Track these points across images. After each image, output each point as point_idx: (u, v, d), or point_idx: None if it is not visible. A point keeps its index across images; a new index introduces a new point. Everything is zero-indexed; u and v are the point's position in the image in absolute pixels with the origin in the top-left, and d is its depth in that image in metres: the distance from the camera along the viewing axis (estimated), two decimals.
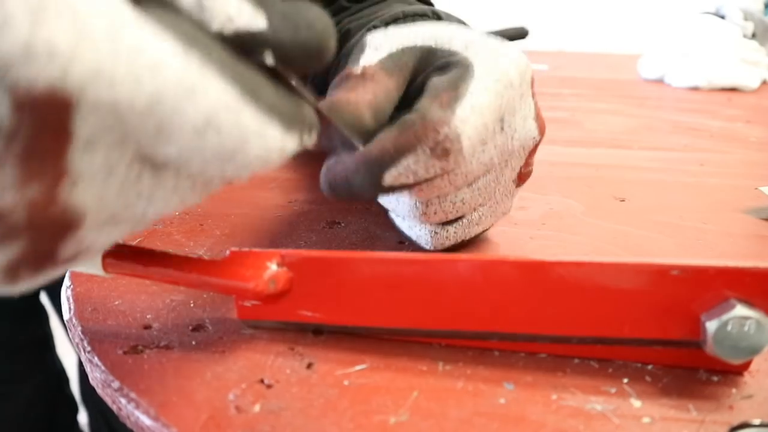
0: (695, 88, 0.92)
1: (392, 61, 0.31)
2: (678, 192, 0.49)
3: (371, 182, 0.26)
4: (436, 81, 0.29)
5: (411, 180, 0.27)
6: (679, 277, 0.23)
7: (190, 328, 0.28)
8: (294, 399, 0.23)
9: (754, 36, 0.97)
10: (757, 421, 0.23)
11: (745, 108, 0.81)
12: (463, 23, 0.39)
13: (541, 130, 0.32)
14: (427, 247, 0.34)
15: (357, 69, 0.30)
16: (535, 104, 0.32)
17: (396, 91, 0.30)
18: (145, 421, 0.22)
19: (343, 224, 0.40)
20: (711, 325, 0.23)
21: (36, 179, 0.14)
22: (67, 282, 0.32)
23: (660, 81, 0.98)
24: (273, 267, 0.26)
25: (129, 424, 0.23)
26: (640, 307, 0.24)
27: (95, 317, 0.28)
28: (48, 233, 0.15)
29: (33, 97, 0.13)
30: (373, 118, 0.27)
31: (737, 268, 0.23)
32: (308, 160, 0.55)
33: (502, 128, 0.30)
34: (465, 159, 0.28)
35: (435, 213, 0.31)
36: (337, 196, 0.27)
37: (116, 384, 0.24)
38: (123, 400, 0.23)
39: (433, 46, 0.31)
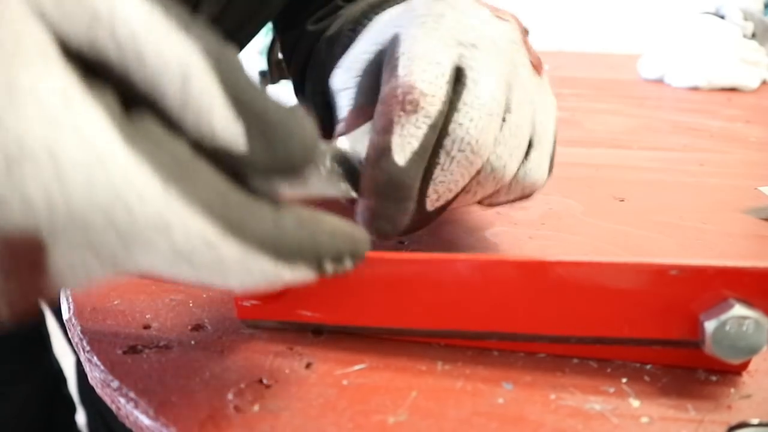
0: (695, 88, 0.92)
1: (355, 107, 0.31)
2: (678, 192, 0.49)
3: (390, 169, 0.26)
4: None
5: (416, 145, 0.27)
6: (678, 276, 0.23)
7: (190, 327, 0.28)
8: (293, 399, 0.23)
9: (754, 36, 0.97)
10: (755, 421, 0.23)
11: (745, 108, 0.81)
12: None
13: (513, 18, 0.33)
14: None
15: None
16: (485, 7, 0.32)
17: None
18: (144, 420, 0.22)
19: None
20: (710, 325, 0.23)
21: (14, 286, 0.15)
22: None
23: (660, 81, 0.98)
24: None
25: (128, 424, 0.23)
26: (639, 306, 0.24)
27: (94, 317, 0.28)
28: (29, 310, 0.16)
29: (5, 236, 0.14)
30: None
31: (736, 267, 0.23)
32: None
33: (461, 43, 0.29)
34: (431, 97, 0.27)
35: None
36: (383, 221, 0.26)
37: (115, 383, 0.24)
38: (122, 400, 0.23)
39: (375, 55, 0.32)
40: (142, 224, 0.15)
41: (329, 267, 0.19)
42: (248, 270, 0.17)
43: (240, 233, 0.17)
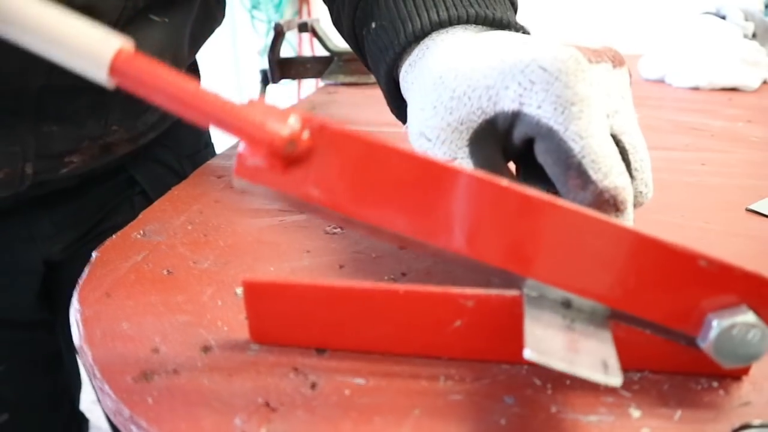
0: (696, 88, 0.91)
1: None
2: (680, 192, 0.49)
3: None
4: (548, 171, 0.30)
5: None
6: (704, 269, 0.23)
7: (197, 349, 0.28)
8: (299, 422, 0.23)
9: (754, 36, 0.96)
10: (757, 422, 0.23)
11: (746, 108, 0.81)
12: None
13: (613, 53, 0.34)
14: None
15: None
16: (600, 61, 0.32)
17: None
18: None
19: (344, 231, 0.40)
20: (717, 325, 0.23)
21: None
22: (75, 305, 0.32)
23: (661, 81, 0.97)
24: (296, 125, 0.24)
25: None
26: (653, 284, 0.24)
27: (104, 343, 0.29)
28: None
29: None
30: None
31: (763, 277, 0.23)
32: None
33: (608, 116, 0.31)
34: (629, 186, 0.30)
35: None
36: None
37: (127, 413, 0.24)
38: (134, 428, 0.24)
39: (487, 117, 0.31)
40: None
41: None
42: None
43: None
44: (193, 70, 0.67)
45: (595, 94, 0.30)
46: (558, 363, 0.21)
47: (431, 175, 0.24)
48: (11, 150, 0.47)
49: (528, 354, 0.21)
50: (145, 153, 0.63)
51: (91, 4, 0.43)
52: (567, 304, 0.25)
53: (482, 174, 0.24)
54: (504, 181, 0.23)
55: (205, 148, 0.73)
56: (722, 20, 0.96)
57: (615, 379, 0.21)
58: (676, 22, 1.00)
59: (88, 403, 0.75)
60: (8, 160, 0.48)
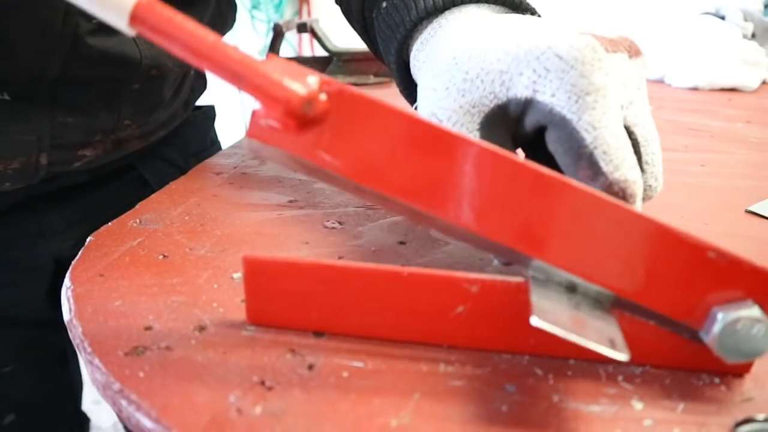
0: (695, 89, 0.92)
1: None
2: (679, 192, 0.48)
3: None
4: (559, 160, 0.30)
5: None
6: (713, 260, 0.23)
7: (191, 328, 0.28)
8: (295, 401, 0.23)
9: (753, 36, 0.97)
10: (761, 416, 0.23)
11: (745, 108, 0.81)
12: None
13: (629, 43, 0.33)
14: None
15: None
16: (617, 51, 0.32)
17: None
18: (147, 423, 0.22)
19: (344, 225, 0.40)
20: (722, 318, 0.22)
21: None
22: (67, 283, 0.32)
23: (660, 81, 0.98)
24: (315, 86, 0.23)
25: (130, 426, 0.23)
26: (662, 274, 0.23)
27: (96, 318, 0.28)
28: None
29: None
30: None
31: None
32: None
33: (623, 107, 0.30)
34: (640, 180, 0.29)
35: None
36: None
37: (117, 386, 0.23)
38: (124, 402, 0.23)
39: (500, 103, 0.30)
40: None
41: None
42: None
43: None
44: (200, 72, 0.67)
45: (611, 85, 0.29)
46: (566, 332, 0.21)
47: (448, 146, 0.23)
48: (27, 139, 0.48)
49: (535, 321, 0.21)
50: (152, 151, 0.63)
51: None
52: (572, 289, 0.25)
53: (498, 149, 0.23)
54: (519, 158, 0.23)
55: (212, 146, 0.73)
56: (721, 20, 0.97)
57: (622, 354, 0.21)
58: (675, 23, 1.01)
59: (89, 403, 0.74)
60: (23, 149, 0.48)
